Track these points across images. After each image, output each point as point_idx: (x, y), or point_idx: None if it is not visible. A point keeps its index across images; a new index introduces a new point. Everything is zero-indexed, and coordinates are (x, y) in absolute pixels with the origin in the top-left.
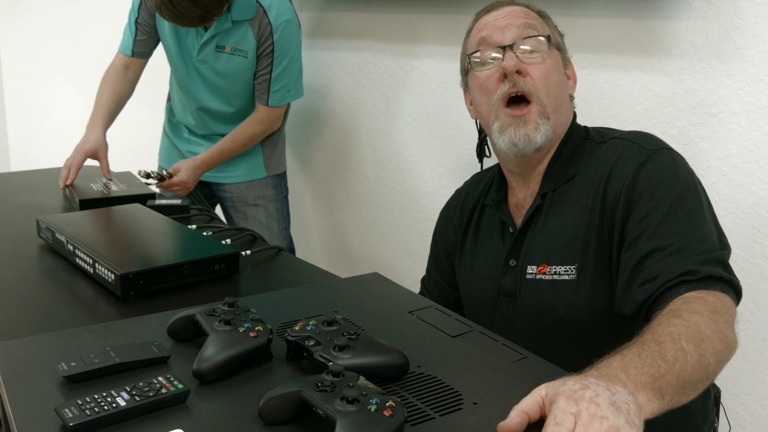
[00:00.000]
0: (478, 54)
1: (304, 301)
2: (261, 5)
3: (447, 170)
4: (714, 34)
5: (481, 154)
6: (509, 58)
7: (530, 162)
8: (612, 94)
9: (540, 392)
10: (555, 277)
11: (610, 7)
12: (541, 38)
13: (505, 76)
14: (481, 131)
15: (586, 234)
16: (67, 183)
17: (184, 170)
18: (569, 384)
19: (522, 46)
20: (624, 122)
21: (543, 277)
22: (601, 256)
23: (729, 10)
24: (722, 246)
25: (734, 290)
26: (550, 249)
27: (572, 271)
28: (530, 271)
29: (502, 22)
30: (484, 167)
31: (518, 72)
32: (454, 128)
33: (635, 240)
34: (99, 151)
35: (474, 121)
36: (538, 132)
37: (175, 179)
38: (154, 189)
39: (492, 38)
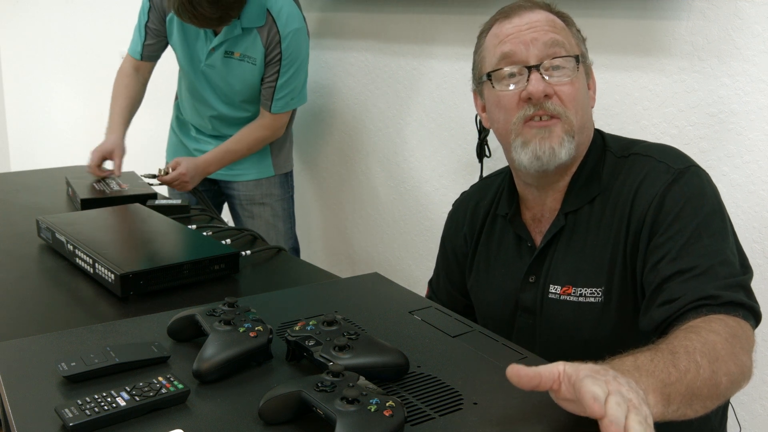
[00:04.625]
0: (499, 71)
1: (304, 301)
2: (270, 14)
3: (447, 170)
4: (714, 34)
5: (481, 154)
6: (536, 82)
7: (550, 178)
8: (612, 94)
9: (558, 367)
10: (581, 299)
11: (609, 7)
12: (570, 58)
13: (529, 98)
14: (481, 131)
15: (612, 257)
16: (102, 175)
17: (183, 165)
18: (589, 365)
19: (549, 66)
20: (624, 122)
21: (568, 298)
22: (627, 279)
23: (729, 10)
24: (744, 270)
25: (754, 317)
26: (575, 270)
27: (599, 293)
28: (553, 291)
29: (527, 36)
30: (484, 167)
31: (545, 95)
32: (455, 128)
33: (658, 261)
34: (114, 151)
35: (474, 121)
36: (563, 148)
37: (173, 174)
38: (155, 189)
39: (516, 55)
